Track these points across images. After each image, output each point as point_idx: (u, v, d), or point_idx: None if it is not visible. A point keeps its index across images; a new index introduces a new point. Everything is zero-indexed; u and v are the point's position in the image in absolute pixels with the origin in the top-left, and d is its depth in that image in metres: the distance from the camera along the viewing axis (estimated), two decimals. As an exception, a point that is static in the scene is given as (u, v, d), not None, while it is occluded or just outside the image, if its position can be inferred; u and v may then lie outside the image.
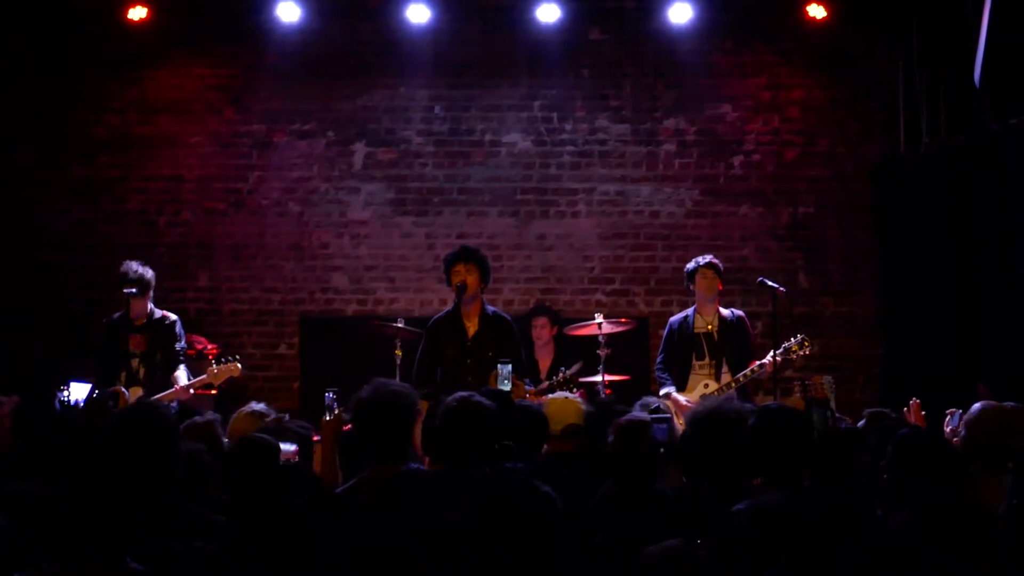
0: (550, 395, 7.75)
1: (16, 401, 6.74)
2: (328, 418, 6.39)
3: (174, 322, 9.51)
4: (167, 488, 4.78)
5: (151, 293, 9.48)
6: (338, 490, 5.48)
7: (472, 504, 3.80)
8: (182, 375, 9.26)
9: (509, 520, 3.73)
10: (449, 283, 8.98)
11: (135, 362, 9.29)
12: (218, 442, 6.08)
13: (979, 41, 9.89)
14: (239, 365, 9.34)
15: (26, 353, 11.46)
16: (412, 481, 5.17)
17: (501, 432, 5.64)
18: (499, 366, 8.14)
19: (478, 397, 5.63)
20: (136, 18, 11.73)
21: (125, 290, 9.26)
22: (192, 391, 9.20)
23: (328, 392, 6.60)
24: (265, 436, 5.25)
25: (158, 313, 9.50)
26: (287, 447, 5.46)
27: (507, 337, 8.85)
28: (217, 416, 6.55)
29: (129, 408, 5.80)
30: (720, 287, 9.70)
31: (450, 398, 5.63)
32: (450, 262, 8.99)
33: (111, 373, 9.20)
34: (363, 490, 5.21)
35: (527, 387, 8.56)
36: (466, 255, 8.98)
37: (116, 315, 9.50)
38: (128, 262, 9.45)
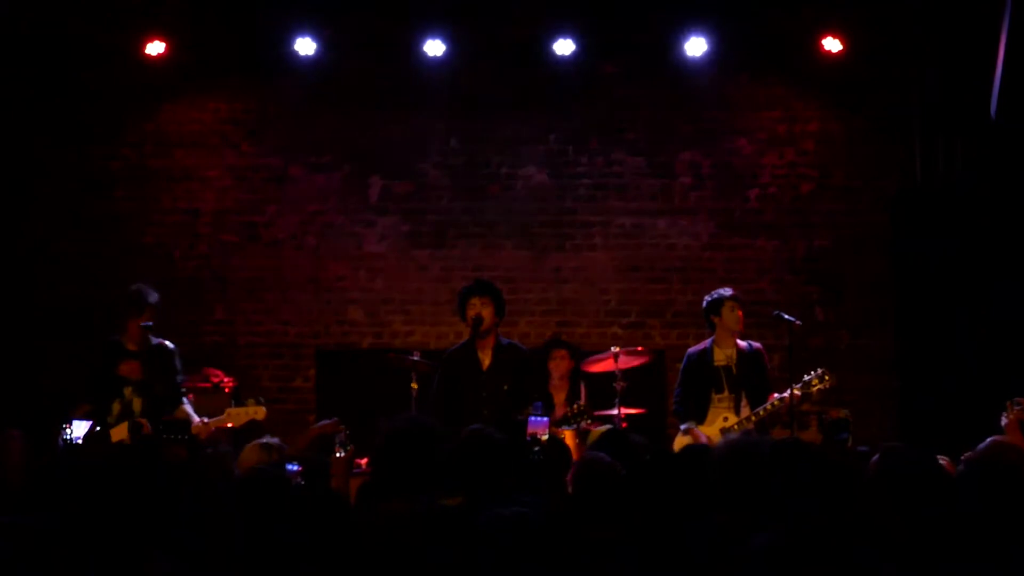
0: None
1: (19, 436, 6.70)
2: (340, 455, 6.37)
3: (173, 351, 9.16)
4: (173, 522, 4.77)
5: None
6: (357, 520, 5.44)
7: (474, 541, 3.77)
8: (191, 409, 8.98)
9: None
10: (463, 317, 8.97)
11: (128, 390, 8.87)
12: (231, 476, 6.06)
13: (995, 74, 9.88)
14: (264, 409, 8.92)
15: (42, 387, 11.47)
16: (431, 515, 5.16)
17: (512, 464, 5.61)
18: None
19: (488, 430, 5.60)
20: (153, 52, 11.76)
21: (143, 323, 8.95)
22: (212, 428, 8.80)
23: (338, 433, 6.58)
24: (274, 468, 5.24)
25: (155, 340, 9.09)
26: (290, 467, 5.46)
27: (522, 368, 8.83)
28: (230, 449, 6.54)
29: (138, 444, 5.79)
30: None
31: (462, 431, 5.61)
32: (465, 296, 8.99)
33: (103, 401, 8.77)
34: (385, 521, 5.15)
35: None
36: (481, 288, 8.98)
37: (114, 337, 9.12)
38: (142, 288, 9.15)
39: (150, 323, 9.06)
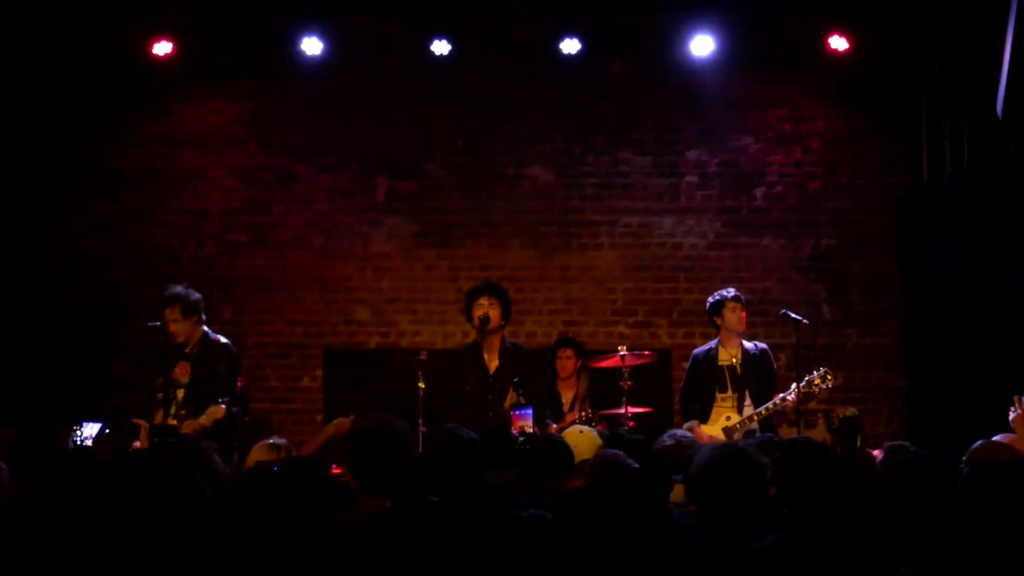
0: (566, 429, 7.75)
1: (15, 434, 6.67)
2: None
3: (224, 345, 8.97)
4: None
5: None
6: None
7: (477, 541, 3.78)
8: (214, 410, 8.67)
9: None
10: (470, 317, 8.99)
11: (180, 392, 8.82)
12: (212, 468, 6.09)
13: (1001, 73, 9.87)
14: (222, 407, 8.69)
15: (49, 388, 11.48)
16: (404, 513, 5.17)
17: (485, 463, 5.62)
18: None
19: (460, 429, 5.61)
20: (160, 53, 11.79)
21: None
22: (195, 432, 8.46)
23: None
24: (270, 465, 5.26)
25: (212, 336, 8.98)
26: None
27: (527, 369, 8.82)
28: (214, 444, 6.56)
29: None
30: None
31: (434, 431, 5.64)
32: (473, 295, 9.01)
33: (165, 406, 8.69)
34: (352, 521, 5.16)
35: (549, 421, 8.57)
36: (489, 288, 8.99)
37: (178, 340, 8.94)
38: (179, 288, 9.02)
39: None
